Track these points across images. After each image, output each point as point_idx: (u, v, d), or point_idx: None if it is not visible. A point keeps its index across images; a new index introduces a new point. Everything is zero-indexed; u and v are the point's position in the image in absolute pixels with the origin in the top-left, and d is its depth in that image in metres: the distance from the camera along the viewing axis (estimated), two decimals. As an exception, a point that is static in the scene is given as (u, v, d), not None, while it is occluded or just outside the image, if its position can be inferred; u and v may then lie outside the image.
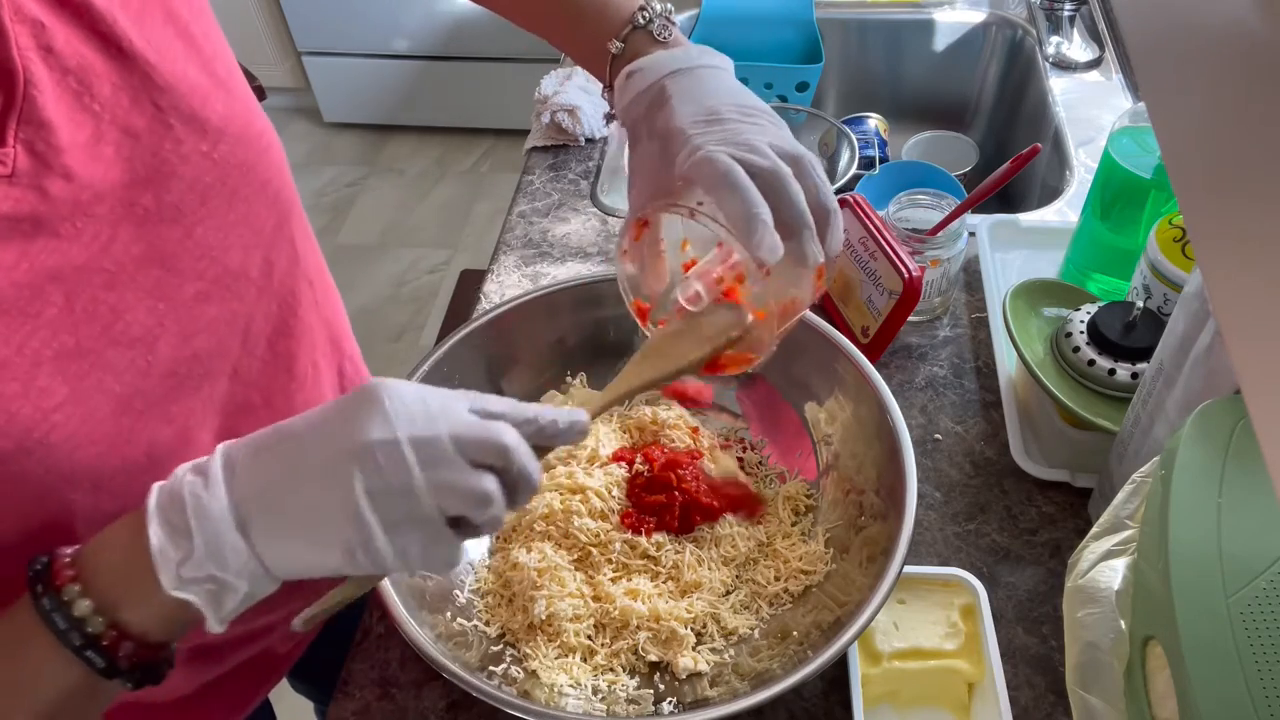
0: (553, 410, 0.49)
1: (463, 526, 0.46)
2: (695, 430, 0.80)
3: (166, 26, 0.52)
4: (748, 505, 0.75)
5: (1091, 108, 1.18)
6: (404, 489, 0.44)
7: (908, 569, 0.63)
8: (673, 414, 0.80)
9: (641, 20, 0.62)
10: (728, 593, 0.72)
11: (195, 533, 0.44)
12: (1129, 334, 0.74)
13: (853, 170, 1.11)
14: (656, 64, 0.60)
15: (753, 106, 0.58)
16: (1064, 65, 1.24)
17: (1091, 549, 0.57)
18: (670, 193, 0.56)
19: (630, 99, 0.61)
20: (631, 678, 0.68)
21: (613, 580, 0.70)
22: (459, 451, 0.45)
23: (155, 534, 0.44)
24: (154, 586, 0.44)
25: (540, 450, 0.49)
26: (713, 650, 0.69)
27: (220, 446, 0.46)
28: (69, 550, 0.47)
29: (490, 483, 0.45)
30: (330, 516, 0.44)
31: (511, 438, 0.46)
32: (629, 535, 0.71)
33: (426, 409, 0.45)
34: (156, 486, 0.46)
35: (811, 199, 0.55)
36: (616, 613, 0.68)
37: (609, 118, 0.67)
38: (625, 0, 0.64)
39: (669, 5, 0.64)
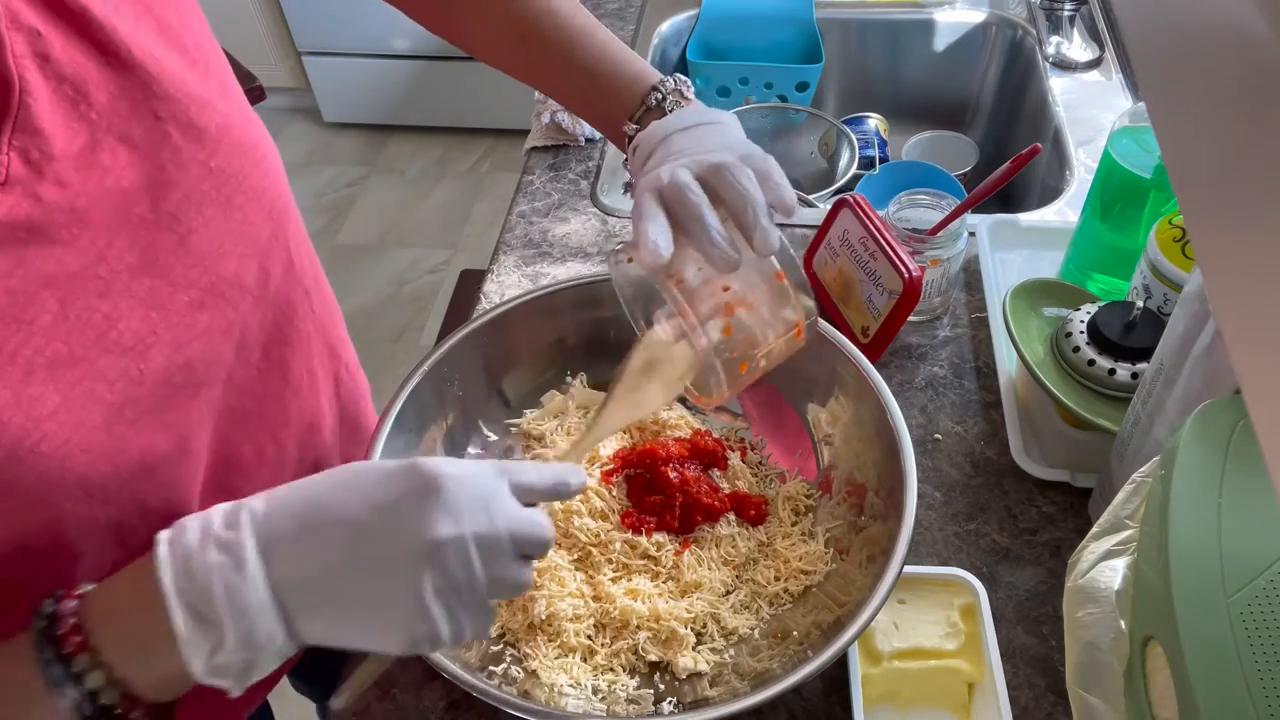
0: (563, 469, 0.53)
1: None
2: (697, 431, 0.80)
3: (160, 38, 0.52)
4: (752, 508, 0.75)
5: (1091, 108, 1.18)
6: (469, 583, 0.47)
7: (908, 569, 0.63)
8: (673, 414, 0.80)
9: (654, 101, 0.64)
10: (728, 593, 0.72)
11: (229, 626, 0.44)
12: (1129, 334, 0.74)
13: (853, 170, 1.11)
14: (656, 130, 0.61)
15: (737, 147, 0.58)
16: (1064, 65, 1.24)
17: (1091, 549, 0.57)
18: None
19: (637, 168, 0.62)
20: (631, 678, 0.68)
21: (613, 580, 0.70)
22: (513, 546, 0.49)
23: (181, 623, 0.44)
24: (177, 668, 0.44)
25: None
26: (713, 650, 0.69)
27: (246, 516, 0.46)
28: (73, 604, 0.46)
29: (531, 573, 0.51)
30: (394, 610, 0.46)
31: (551, 532, 0.51)
32: (629, 535, 0.71)
33: (483, 497, 0.48)
34: (165, 553, 0.45)
35: (771, 194, 0.56)
36: (616, 613, 0.68)
37: (627, 186, 0.69)
38: (639, 77, 0.65)
39: (685, 79, 0.65)
